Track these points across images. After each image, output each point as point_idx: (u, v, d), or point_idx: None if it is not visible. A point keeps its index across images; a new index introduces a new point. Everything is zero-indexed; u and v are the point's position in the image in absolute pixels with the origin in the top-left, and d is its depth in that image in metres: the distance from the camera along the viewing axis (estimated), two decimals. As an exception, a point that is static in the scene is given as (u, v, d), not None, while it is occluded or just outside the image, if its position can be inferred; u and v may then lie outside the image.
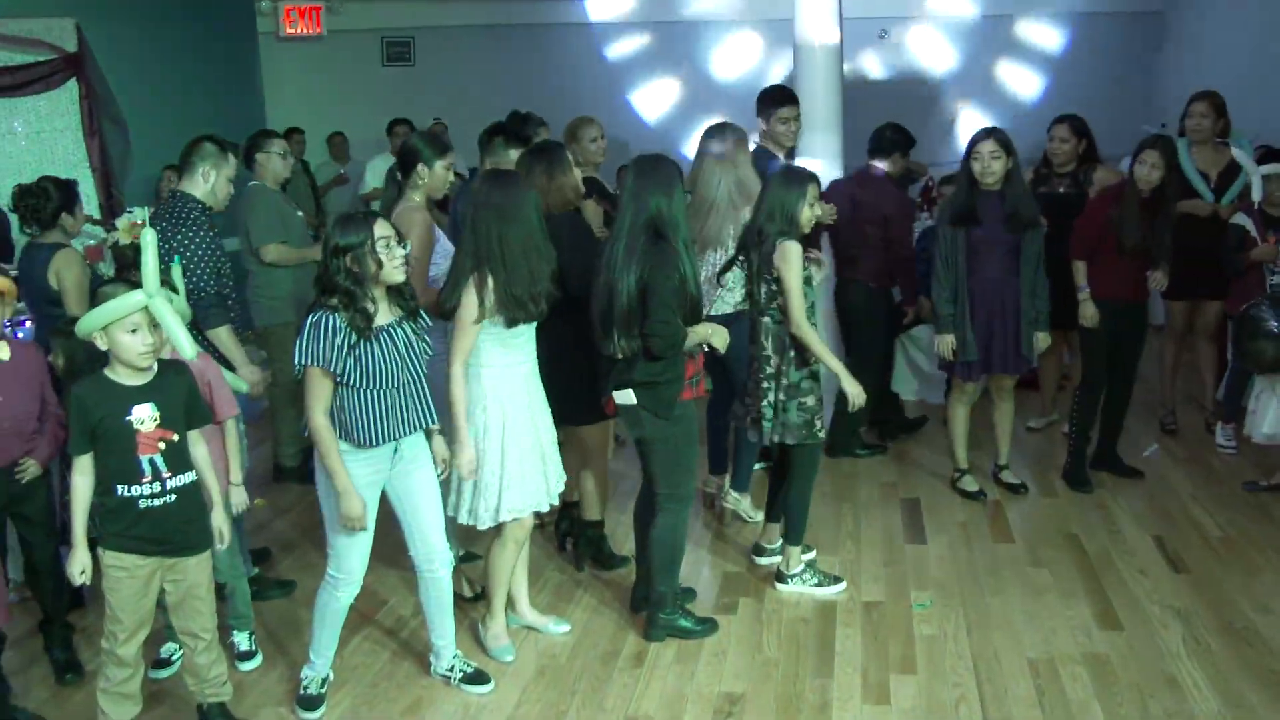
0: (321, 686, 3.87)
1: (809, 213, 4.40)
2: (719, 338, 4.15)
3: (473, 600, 4.61)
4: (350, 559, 3.70)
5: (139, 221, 6.84)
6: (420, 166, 4.43)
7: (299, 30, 11.08)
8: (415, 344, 3.61)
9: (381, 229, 3.45)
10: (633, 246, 3.94)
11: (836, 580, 4.66)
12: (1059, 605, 4.43)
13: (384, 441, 3.58)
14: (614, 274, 3.96)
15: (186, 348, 3.42)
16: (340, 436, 3.55)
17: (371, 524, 3.68)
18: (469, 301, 3.74)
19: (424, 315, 3.70)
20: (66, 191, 4.96)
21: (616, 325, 3.95)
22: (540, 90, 10.51)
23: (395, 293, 3.57)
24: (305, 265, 5.64)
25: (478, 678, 3.96)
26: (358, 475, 3.58)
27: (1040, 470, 5.93)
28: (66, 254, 4.83)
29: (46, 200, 4.86)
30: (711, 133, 5.16)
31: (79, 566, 3.30)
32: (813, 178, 4.49)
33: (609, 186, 5.84)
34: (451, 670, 3.98)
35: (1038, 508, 5.47)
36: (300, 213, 6.03)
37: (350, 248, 3.41)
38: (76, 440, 3.27)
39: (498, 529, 4.04)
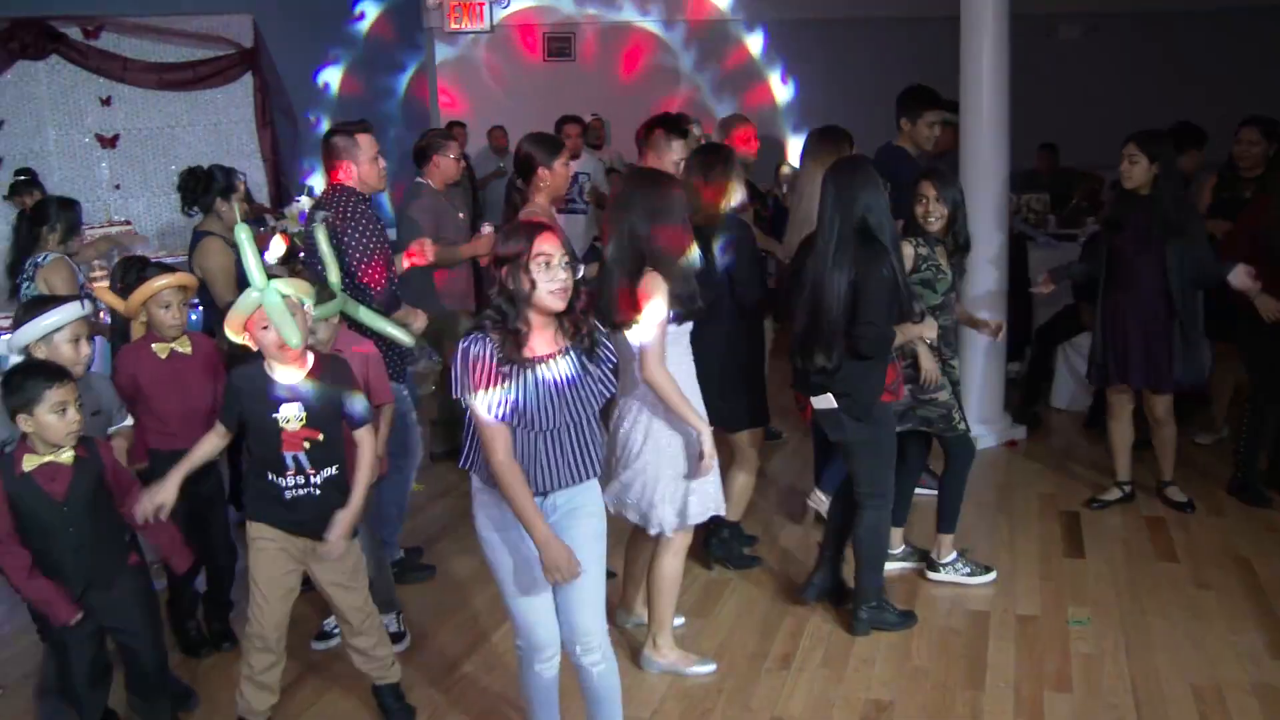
0: None
1: (918, 211, 4.41)
2: (929, 328, 4.15)
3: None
4: (533, 624, 3.16)
5: (306, 210, 7.08)
6: (540, 170, 4.45)
7: (464, 25, 11.33)
8: (583, 382, 3.03)
9: (545, 244, 2.92)
10: (843, 252, 3.90)
11: (987, 570, 4.68)
12: (1225, 630, 4.23)
13: (540, 490, 3.05)
14: (822, 282, 3.93)
15: (293, 338, 3.29)
16: (485, 481, 3.10)
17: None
18: (659, 301, 3.53)
19: (607, 348, 3.14)
20: (228, 179, 5.10)
21: (824, 334, 3.93)
22: (695, 86, 10.53)
23: (568, 320, 3.02)
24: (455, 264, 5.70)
25: None
26: (511, 523, 3.05)
27: (1208, 488, 5.66)
28: (207, 243, 4.97)
29: (210, 183, 5.02)
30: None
31: (158, 500, 3.29)
32: (927, 175, 4.45)
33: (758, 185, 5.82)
34: None
35: (1204, 527, 5.23)
36: (461, 214, 6.06)
37: (506, 260, 2.93)
38: (227, 415, 3.38)
39: (657, 540, 3.94)
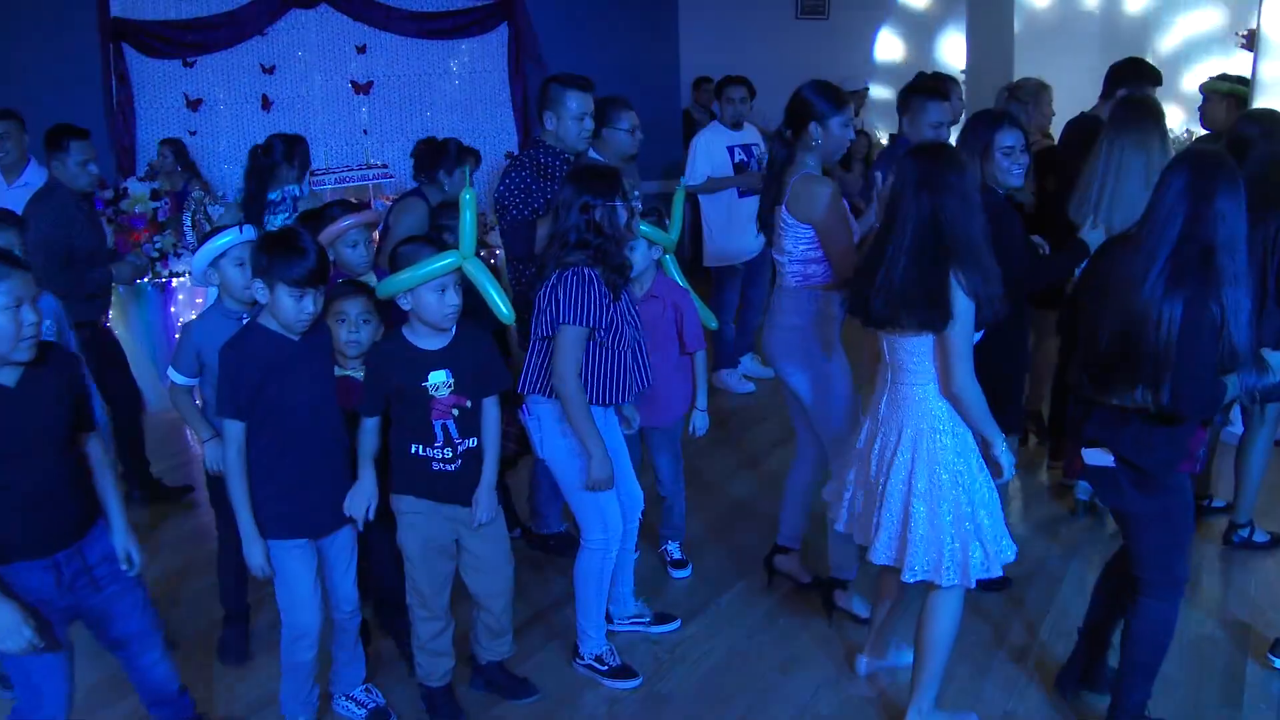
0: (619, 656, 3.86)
1: None
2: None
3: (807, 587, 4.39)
4: (611, 517, 3.68)
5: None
6: (813, 125, 3.79)
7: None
8: (632, 303, 3.64)
9: (629, 180, 3.49)
10: (1182, 266, 2.96)
11: None
12: None
13: (624, 399, 3.61)
14: (1148, 298, 2.96)
15: (503, 310, 3.43)
16: (593, 399, 3.52)
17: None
18: (966, 304, 3.05)
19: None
20: (459, 156, 5.16)
21: (1145, 368, 3.00)
22: (957, 52, 10.09)
23: None
24: None
25: (663, 619, 4.14)
26: (608, 435, 3.60)
27: None
28: (410, 200, 5.05)
29: (440, 157, 5.10)
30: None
31: (364, 500, 3.31)
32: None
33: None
34: (640, 617, 4.12)
35: None
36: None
37: (601, 203, 3.37)
38: (373, 401, 3.30)
39: (930, 590, 3.31)
